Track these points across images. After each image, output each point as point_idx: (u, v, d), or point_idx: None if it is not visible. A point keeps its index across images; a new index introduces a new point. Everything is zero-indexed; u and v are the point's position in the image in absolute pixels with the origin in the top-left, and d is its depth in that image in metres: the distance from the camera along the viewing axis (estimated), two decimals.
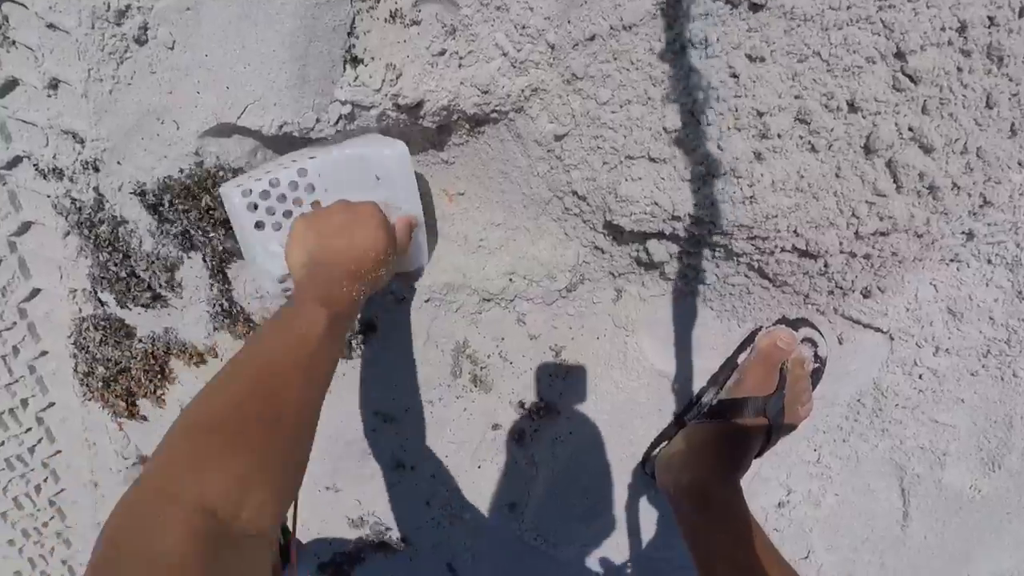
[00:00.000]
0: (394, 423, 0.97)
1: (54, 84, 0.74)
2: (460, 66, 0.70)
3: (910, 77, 0.61)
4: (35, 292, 0.92)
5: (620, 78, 0.67)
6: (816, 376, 0.85)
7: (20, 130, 0.79)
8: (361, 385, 0.94)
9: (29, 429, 1.06)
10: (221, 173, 0.75)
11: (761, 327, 0.84)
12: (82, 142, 0.76)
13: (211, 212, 0.76)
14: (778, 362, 0.82)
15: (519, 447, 0.99)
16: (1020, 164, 0.67)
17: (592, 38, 0.65)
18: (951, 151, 0.64)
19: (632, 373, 0.90)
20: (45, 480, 1.13)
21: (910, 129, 0.63)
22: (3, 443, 1.07)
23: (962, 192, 0.66)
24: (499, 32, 0.67)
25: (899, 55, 0.61)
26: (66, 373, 0.99)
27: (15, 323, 0.95)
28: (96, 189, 0.79)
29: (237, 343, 0.90)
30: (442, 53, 0.69)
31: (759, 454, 0.85)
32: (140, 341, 0.92)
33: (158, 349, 0.92)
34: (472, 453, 1.00)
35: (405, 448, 1.00)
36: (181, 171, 0.75)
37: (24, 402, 1.03)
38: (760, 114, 0.64)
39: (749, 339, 0.85)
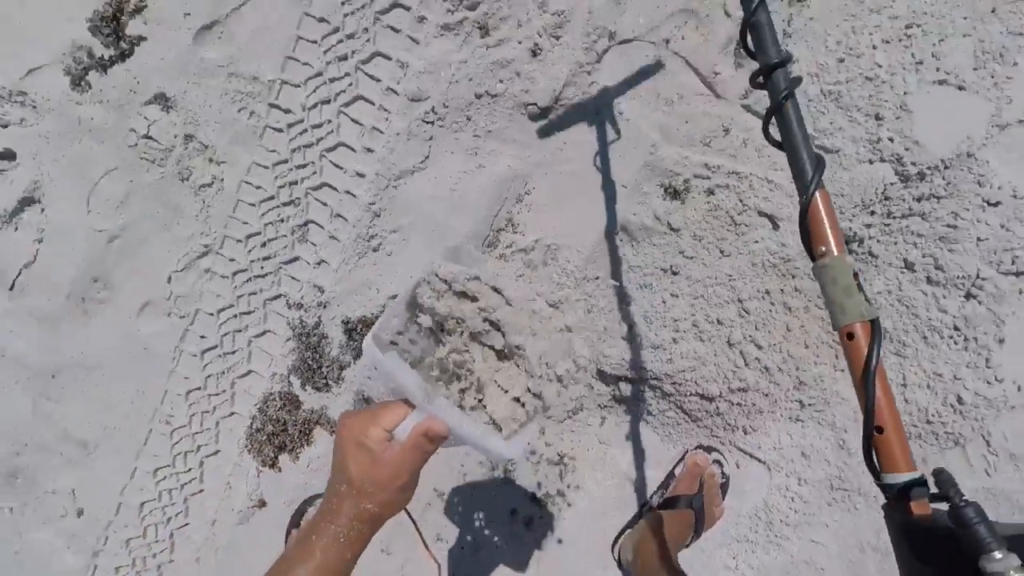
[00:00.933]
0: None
1: (319, 263, 1.45)
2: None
3: (747, 311, 1.26)
4: (248, 373, 1.51)
5: (596, 304, 1.34)
6: (724, 487, 1.33)
7: (286, 281, 1.48)
8: None
9: (190, 469, 1.54)
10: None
11: (688, 450, 1.35)
12: (322, 291, 1.44)
13: None
14: (699, 475, 1.31)
15: (527, 529, 1.41)
16: (816, 361, 1.27)
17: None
18: (774, 351, 1.26)
19: (608, 475, 1.38)
20: (178, 514, 1.55)
21: (749, 336, 1.26)
22: (166, 478, 1.53)
23: (784, 373, 1.26)
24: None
25: (740, 300, 1.27)
26: (240, 431, 1.51)
27: (224, 390, 1.52)
28: (319, 317, 1.44)
29: None
30: None
31: (689, 544, 1.28)
32: (303, 411, 1.46)
33: (312, 418, 1.46)
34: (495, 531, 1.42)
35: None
36: (371, 313, 1.40)
37: (198, 448, 1.53)
38: (675, 320, 1.28)
39: (681, 458, 1.35)
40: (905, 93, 1.16)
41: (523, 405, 0.63)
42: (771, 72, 0.59)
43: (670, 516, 1.27)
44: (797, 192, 0.58)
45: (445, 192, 1.35)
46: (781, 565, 1.35)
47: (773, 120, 0.60)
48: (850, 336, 0.54)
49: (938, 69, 1.15)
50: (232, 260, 1.48)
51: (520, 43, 1.27)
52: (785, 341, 1.26)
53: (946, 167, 1.16)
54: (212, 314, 1.50)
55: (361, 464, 0.57)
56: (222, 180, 1.47)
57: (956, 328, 1.21)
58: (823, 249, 0.56)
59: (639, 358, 1.30)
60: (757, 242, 1.25)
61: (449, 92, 1.32)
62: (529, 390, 0.63)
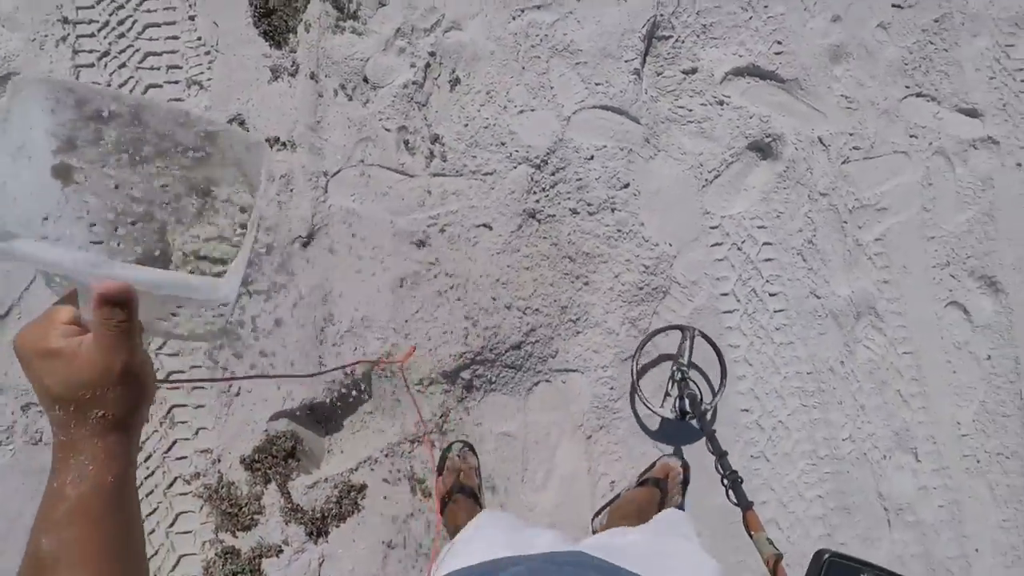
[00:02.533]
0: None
1: (197, 432, 1.70)
2: None
3: (504, 283, 1.84)
4: (179, 560, 1.66)
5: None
6: (684, 486, 1.76)
7: (174, 466, 1.70)
8: None
9: None
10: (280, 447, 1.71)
11: (661, 456, 1.81)
12: (211, 451, 1.69)
13: (280, 463, 1.68)
14: (667, 471, 1.73)
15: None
16: (563, 290, 1.88)
17: None
18: (534, 297, 1.84)
19: (496, 445, 1.81)
20: None
21: (515, 296, 1.83)
22: None
23: (548, 308, 1.84)
24: None
25: (497, 279, 1.84)
26: None
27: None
28: (219, 472, 1.68)
29: (300, 527, 1.68)
30: None
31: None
32: (245, 555, 1.65)
33: (256, 554, 1.65)
34: None
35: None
36: (259, 441, 1.69)
37: None
38: (466, 313, 1.81)
39: (653, 463, 1.79)
40: (508, 125, 1.89)
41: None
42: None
43: (640, 491, 1.68)
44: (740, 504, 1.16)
45: (269, 324, 1.74)
46: (627, 430, 1.90)
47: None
48: (768, 562, 1.01)
49: (514, 103, 1.91)
50: None
51: (267, 205, 1.76)
52: (537, 288, 1.85)
53: (553, 151, 1.89)
54: None
55: (57, 373, 0.47)
56: None
57: (618, 231, 1.93)
58: (756, 532, 1.09)
59: (460, 348, 1.79)
60: (484, 243, 1.85)
61: None
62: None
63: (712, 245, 2.00)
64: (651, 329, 1.90)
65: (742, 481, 1.26)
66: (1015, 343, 2.14)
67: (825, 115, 2.14)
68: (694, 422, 1.82)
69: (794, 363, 1.99)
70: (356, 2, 1.89)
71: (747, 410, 1.94)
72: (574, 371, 1.89)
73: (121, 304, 0.46)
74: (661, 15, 2.06)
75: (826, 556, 0.70)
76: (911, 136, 2.21)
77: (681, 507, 1.69)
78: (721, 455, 1.35)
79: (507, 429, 1.84)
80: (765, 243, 2.02)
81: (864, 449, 1.99)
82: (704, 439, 1.49)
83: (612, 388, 1.89)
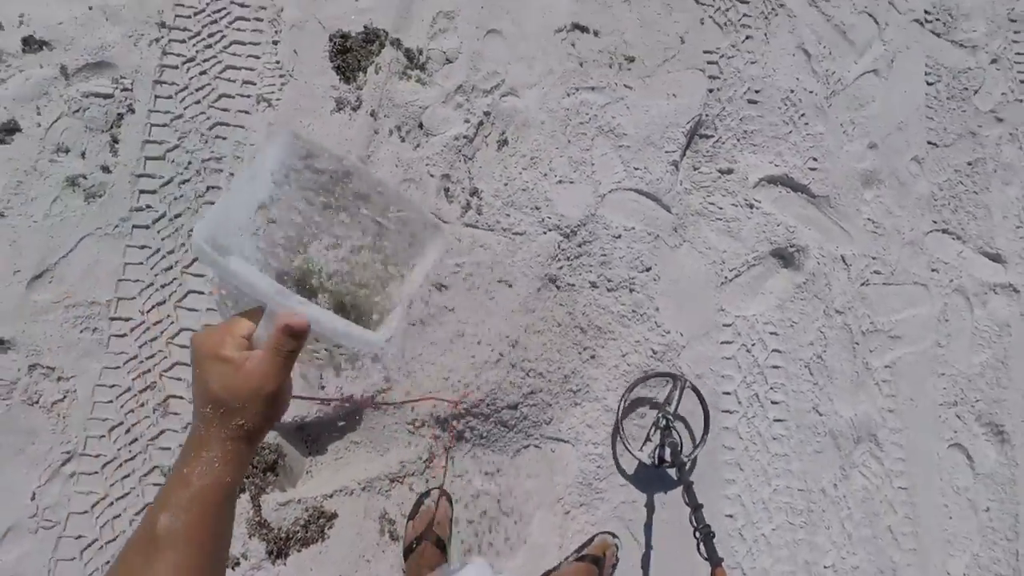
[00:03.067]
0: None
1: (186, 426, 1.71)
2: None
3: (514, 343, 1.87)
4: None
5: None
6: (614, 567, 1.76)
7: (156, 454, 1.70)
8: None
9: None
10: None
11: (597, 533, 1.79)
12: None
13: (258, 475, 1.68)
14: (604, 548, 1.73)
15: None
16: (568, 360, 1.90)
17: None
18: (540, 361, 1.86)
19: (471, 496, 1.79)
20: None
21: (522, 358, 1.85)
22: None
23: (552, 374, 1.86)
24: None
25: (508, 337, 1.87)
26: None
27: None
28: None
29: (262, 543, 1.66)
30: None
31: None
32: None
33: None
34: None
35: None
36: None
37: None
38: (473, 361, 1.83)
39: (591, 538, 1.78)
40: (546, 192, 1.97)
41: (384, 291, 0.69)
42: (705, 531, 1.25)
43: (579, 567, 1.68)
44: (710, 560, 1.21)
45: None
46: (606, 513, 1.87)
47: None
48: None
49: (554, 172, 1.99)
50: (98, 456, 1.67)
51: None
52: (545, 352, 1.88)
53: (583, 224, 1.96)
54: (85, 512, 1.64)
55: (223, 378, 0.53)
56: (75, 391, 1.69)
57: (633, 311, 1.96)
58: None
59: (457, 397, 1.80)
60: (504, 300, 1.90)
61: None
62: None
63: (722, 342, 2.01)
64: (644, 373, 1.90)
65: (714, 536, 1.25)
66: (1017, 499, 2.08)
67: (851, 235, 2.19)
68: (672, 471, 1.83)
69: (786, 476, 1.96)
70: (426, 55, 2.02)
71: (731, 516, 1.90)
72: (565, 441, 1.88)
73: (296, 336, 0.54)
74: (707, 115, 2.17)
75: None
76: (933, 270, 2.25)
77: None
78: (696, 507, 1.34)
79: (488, 487, 1.82)
80: (775, 350, 2.04)
81: None
82: (681, 489, 1.48)
83: (599, 467, 1.87)
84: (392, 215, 0.69)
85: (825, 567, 1.91)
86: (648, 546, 1.80)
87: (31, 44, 1.84)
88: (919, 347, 2.17)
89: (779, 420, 1.99)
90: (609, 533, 1.80)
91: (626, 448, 1.82)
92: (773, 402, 2.00)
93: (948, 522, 2.04)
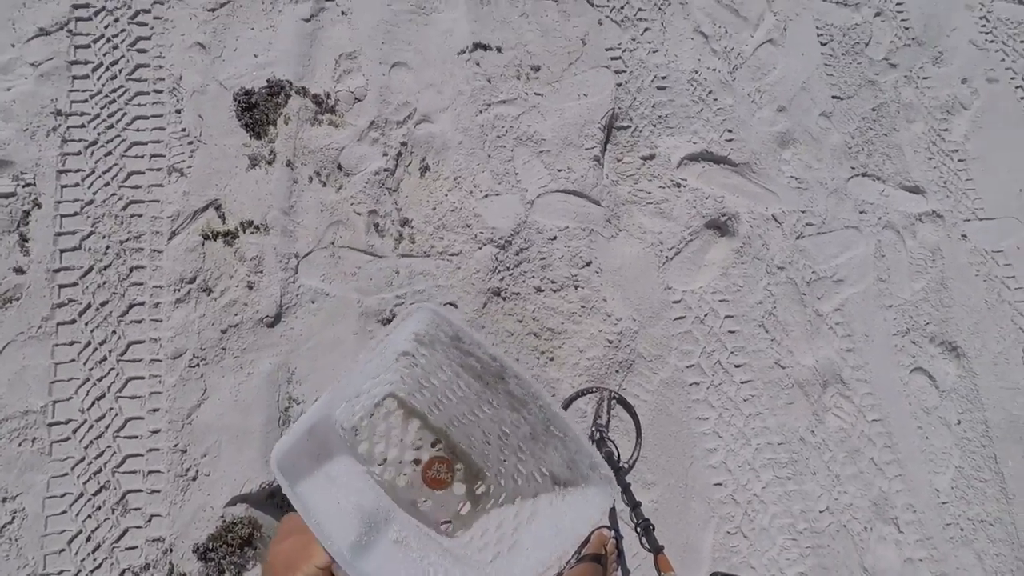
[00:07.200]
0: None
1: (150, 520, 1.64)
2: None
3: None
4: None
5: None
6: (619, 559, 1.75)
7: (123, 556, 1.62)
8: None
9: None
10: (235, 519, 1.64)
11: (594, 529, 1.78)
12: (163, 540, 1.62)
13: (235, 552, 1.62)
14: (602, 543, 1.70)
15: None
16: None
17: None
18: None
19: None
20: None
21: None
22: None
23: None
24: None
25: None
26: None
27: None
28: (170, 562, 1.60)
29: None
30: None
31: None
32: None
33: None
34: None
35: None
36: (215, 528, 1.63)
37: None
38: None
39: (588, 537, 1.76)
40: (474, 208, 1.98)
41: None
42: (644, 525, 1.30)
43: (583, 568, 1.65)
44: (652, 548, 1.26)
45: (230, 404, 1.72)
46: None
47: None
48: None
49: (479, 188, 2.01)
50: (60, 572, 1.57)
51: (237, 286, 1.80)
52: None
53: (517, 232, 1.98)
54: None
55: None
56: (23, 509, 1.60)
57: (582, 307, 1.98)
58: (667, 572, 1.21)
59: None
60: None
61: (201, 339, 1.75)
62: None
63: (675, 319, 2.05)
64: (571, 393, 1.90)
65: (653, 528, 1.34)
66: (983, 407, 2.16)
67: (777, 195, 2.27)
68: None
69: (764, 434, 1.98)
70: (334, 98, 2.03)
71: (720, 484, 1.91)
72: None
73: None
74: (620, 108, 2.24)
75: None
76: (861, 212, 2.34)
77: None
78: (635, 505, 1.42)
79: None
80: (727, 316, 2.08)
81: (844, 521, 1.94)
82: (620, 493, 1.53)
83: None
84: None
85: (820, 512, 1.93)
86: (618, 535, 1.80)
87: None
88: (862, 286, 2.25)
89: (745, 382, 2.02)
90: (604, 527, 1.78)
91: None
92: (736, 366, 2.03)
93: (925, 442, 2.09)
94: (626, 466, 1.81)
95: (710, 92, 2.34)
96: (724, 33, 2.45)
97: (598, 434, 1.81)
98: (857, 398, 2.10)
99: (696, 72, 2.36)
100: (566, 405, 1.87)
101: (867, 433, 2.06)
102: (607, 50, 2.31)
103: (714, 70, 2.38)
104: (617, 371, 1.95)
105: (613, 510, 1.84)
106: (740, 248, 2.16)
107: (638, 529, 1.36)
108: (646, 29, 2.39)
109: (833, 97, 2.50)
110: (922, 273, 2.32)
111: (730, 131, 2.31)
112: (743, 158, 2.28)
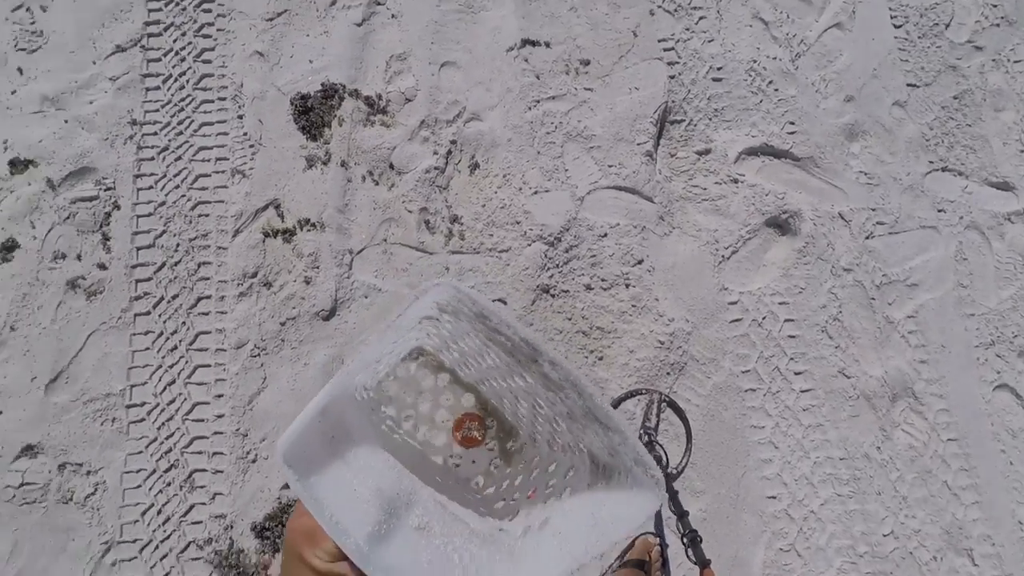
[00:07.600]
0: None
1: (214, 497, 1.74)
2: None
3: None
4: None
5: None
6: (665, 566, 1.74)
7: (189, 529, 1.73)
8: None
9: None
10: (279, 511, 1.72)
11: (639, 535, 1.77)
12: (224, 517, 1.72)
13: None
14: (647, 550, 1.69)
15: None
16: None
17: None
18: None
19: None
20: None
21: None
22: None
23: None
24: None
25: None
26: None
27: None
28: (230, 539, 1.70)
29: None
30: None
31: None
32: None
33: None
34: None
35: None
36: (272, 508, 1.71)
37: None
38: None
39: (632, 541, 1.76)
40: (523, 205, 1.98)
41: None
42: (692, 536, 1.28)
43: (625, 573, 1.64)
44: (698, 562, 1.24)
45: (288, 392, 1.80)
46: None
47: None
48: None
49: (529, 185, 2.00)
50: (135, 540, 1.70)
51: (295, 281, 1.88)
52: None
53: (566, 229, 1.96)
54: None
55: None
56: (104, 482, 1.74)
57: (633, 306, 1.94)
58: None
59: None
60: None
61: (262, 330, 1.84)
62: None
63: (731, 321, 1.96)
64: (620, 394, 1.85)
65: (701, 540, 1.29)
66: None
67: (844, 191, 2.13)
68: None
69: (825, 447, 1.87)
70: (386, 99, 2.08)
71: (774, 497, 1.82)
72: None
73: None
74: (673, 101, 2.16)
75: None
76: (939, 210, 2.17)
77: None
78: (682, 515, 1.37)
79: None
80: (787, 319, 1.98)
81: (910, 547, 1.81)
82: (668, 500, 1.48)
83: None
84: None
85: (884, 535, 1.81)
86: (663, 543, 1.75)
87: (17, 165, 1.95)
88: (940, 291, 2.08)
89: (806, 390, 1.92)
90: (650, 533, 1.74)
91: None
92: (796, 373, 1.93)
93: (1009, 468, 1.91)
94: (675, 471, 1.75)
95: (770, 82, 2.22)
96: (786, 19, 2.32)
97: (646, 437, 1.76)
98: (931, 414, 1.94)
99: (755, 61, 2.24)
100: (614, 406, 1.84)
101: (941, 453, 1.91)
102: (659, 41, 2.24)
103: (774, 59, 2.26)
104: (668, 373, 1.89)
105: (659, 516, 1.80)
106: (803, 248, 2.04)
107: (684, 540, 1.31)
108: (701, 18, 2.29)
109: (908, 85, 2.31)
110: (1011, 280, 2.12)
111: (792, 123, 2.19)
112: (807, 152, 2.16)
